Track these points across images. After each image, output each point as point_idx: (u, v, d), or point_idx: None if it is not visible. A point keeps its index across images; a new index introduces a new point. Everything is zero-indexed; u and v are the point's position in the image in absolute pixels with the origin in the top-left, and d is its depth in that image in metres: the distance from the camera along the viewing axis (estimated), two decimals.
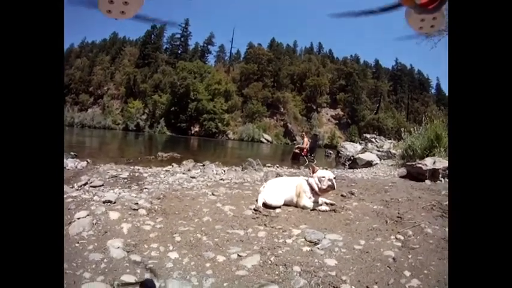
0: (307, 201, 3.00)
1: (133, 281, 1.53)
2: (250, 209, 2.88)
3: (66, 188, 3.23)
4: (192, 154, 13.27)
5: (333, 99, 64.21)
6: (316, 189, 3.03)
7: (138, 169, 5.57)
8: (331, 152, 18.84)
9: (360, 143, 18.40)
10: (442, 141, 7.77)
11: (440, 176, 6.05)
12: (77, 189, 3.39)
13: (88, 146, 14.75)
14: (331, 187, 3.03)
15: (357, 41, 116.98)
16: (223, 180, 4.72)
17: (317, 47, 77.03)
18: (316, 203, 3.02)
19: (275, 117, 57.26)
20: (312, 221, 2.61)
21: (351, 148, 14.74)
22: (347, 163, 12.14)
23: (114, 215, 2.41)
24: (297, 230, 2.34)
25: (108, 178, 4.40)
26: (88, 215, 2.33)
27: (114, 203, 2.78)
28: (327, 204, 3.11)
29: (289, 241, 2.12)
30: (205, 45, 68.61)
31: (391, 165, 9.40)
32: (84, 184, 3.81)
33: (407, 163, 6.96)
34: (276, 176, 4.90)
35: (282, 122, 56.64)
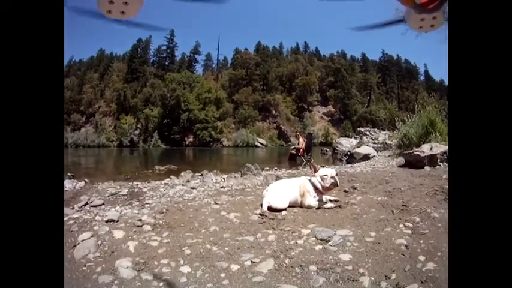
0: (311, 200, 2.99)
1: None
2: (256, 214, 2.85)
3: (66, 210, 3.16)
4: (189, 165, 13.20)
5: (323, 96, 64.62)
6: (320, 187, 3.02)
7: (137, 184, 5.51)
8: (327, 149, 18.86)
9: (355, 137, 18.50)
10: (437, 126, 7.83)
11: (439, 160, 6.09)
12: (78, 210, 3.33)
13: (84, 166, 14.57)
14: (334, 184, 3.02)
15: (342, 37, 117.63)
16: (224, 188, 4.68)
17: (303, 47, 77.68)
18: (320, 201, 3.01)
19: (267, 120, 57.37)
20: (319, 220, 2.60)
21: (346, 143, 14.80)
22: (344, 159, 12.19)
23: (118, 234, 2.35)
24: (306, 230, 2.33)
25: (108, 196, 4.34)
26: (92, 236, 2.26)
27: (117, 221, 2.73)
28: (331, 201, 3.10)
29: (300, 242, 2.10)
30: (191, 54, 68.65)
31: (389, 156, 9.46)
32: (85, 204, 3.75)
33: (405, 152, 7.01)
34: (276, 179, 4.87)
35: (275, 125, 56.79)
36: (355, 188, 3.93)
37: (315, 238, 2.13)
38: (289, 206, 3.00)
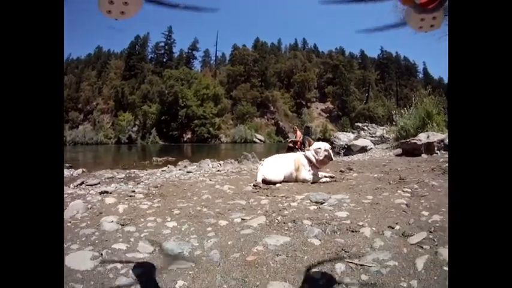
0: (306, 174, 2.96)
1: (124, 247, 1.42)
2: (250, 185, 2.83)
3: None
4: (187, 158, 13.16)
5: (322, 93, 64.42)
6: (314, 160, 2.99)
7: (134, 171, 5.53)
8: None
9: (353, 132, 18.45)
10: (434, 118, 7.83)
11: (436, 148, 6.07)
12: (73, 188, 3.32)
13: (82, 161, 14.56)
14: (328, 157, 2.99)
15: (340, 34, 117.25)
16: (220, 171, 4.66)
17: (301, 43, 77.25)
18: (315, 175, 2.98)
19: (266, 117, 57.20)
20: (314, 189, 2.56)
21: (344, 138, 14.71)
22: (342, 152, 12.16)
23: (110, 200, 2.32)
24: (300, 196, 2.29)
25: (104, 179, 4.34)
26: (84, 203, 2.23)
27: (111, 193, 2.71)
28: (326, 177, 3.07)
29: (294, 204, 2.06)
30: (189, 51, 68.26)
31: (386, 148, 9.43)
32: (80, 184, 3.76)
33: (402, 141, 6.99)
34: None
35: (273, 121, 56.62)
36: (351, 169, 3.91)
37: (309, 201, 2.09)
38: (284, 181, 2.97)
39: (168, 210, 2.04)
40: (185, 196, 2.49)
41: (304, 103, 61.40)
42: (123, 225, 1.74)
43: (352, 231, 1.49)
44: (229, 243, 1.45)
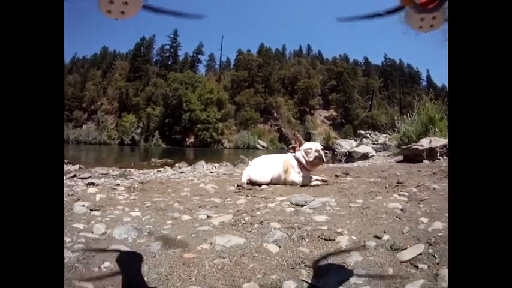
0: (295, 176, 2.80)
1: (82, 227, 1.52)
2: (234, 186, 2.68)
3: None
4: (187, 161, 13.08)
5: (325, 100, 64.26)
6: (304, 161, 2.83)
7: (130, 170, 5.51)
8: (326, 151, 18.64)
9: (355, 140, 18.34)
10: (436, 123, 7.68)
11: (439, 154, 5.90)
12: (65, 180, 3.38)
13: (82, 159, 14.59)
14: (318, 158, 2.82)
15: (345, 40, 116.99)
16: (213, 173, 4.55)
17: (306, 49, 77.37)
18: (306, 178, 2.82)
19: (269, 123, 57.07)
20: (301, 192, 2.39)
21: (346, 145, 14.61)
22: (343, 158, 12.01)
23: (92, 190, 2.42)
24: (281, 198, 2.15)
25: (98, 175, 4.40)
26: (68, 190, 2.36)
27: (97, 185, 2.80)
28: (318, 180, 2.90)
29: (271, 205, 1.93)
30: (194, 55, 68.48)
31: (388, 155, 9.29)
32: (73, 176, 3.85)
33: (403, 147, 6.83)
34: None
35: (276, 127, 56.46)
36: (347, 174, 3.74)
37: (289, 203, 1.95)
38: (272, 183, 2.82)
39: (141, 203, 2.06)
40: (165, 192, 2.47)
41: (307, 110, 61.23)
42: (92, 210, 1.85)
43: (325, 240, 1.27)
44: (178, 237, 1.40)
